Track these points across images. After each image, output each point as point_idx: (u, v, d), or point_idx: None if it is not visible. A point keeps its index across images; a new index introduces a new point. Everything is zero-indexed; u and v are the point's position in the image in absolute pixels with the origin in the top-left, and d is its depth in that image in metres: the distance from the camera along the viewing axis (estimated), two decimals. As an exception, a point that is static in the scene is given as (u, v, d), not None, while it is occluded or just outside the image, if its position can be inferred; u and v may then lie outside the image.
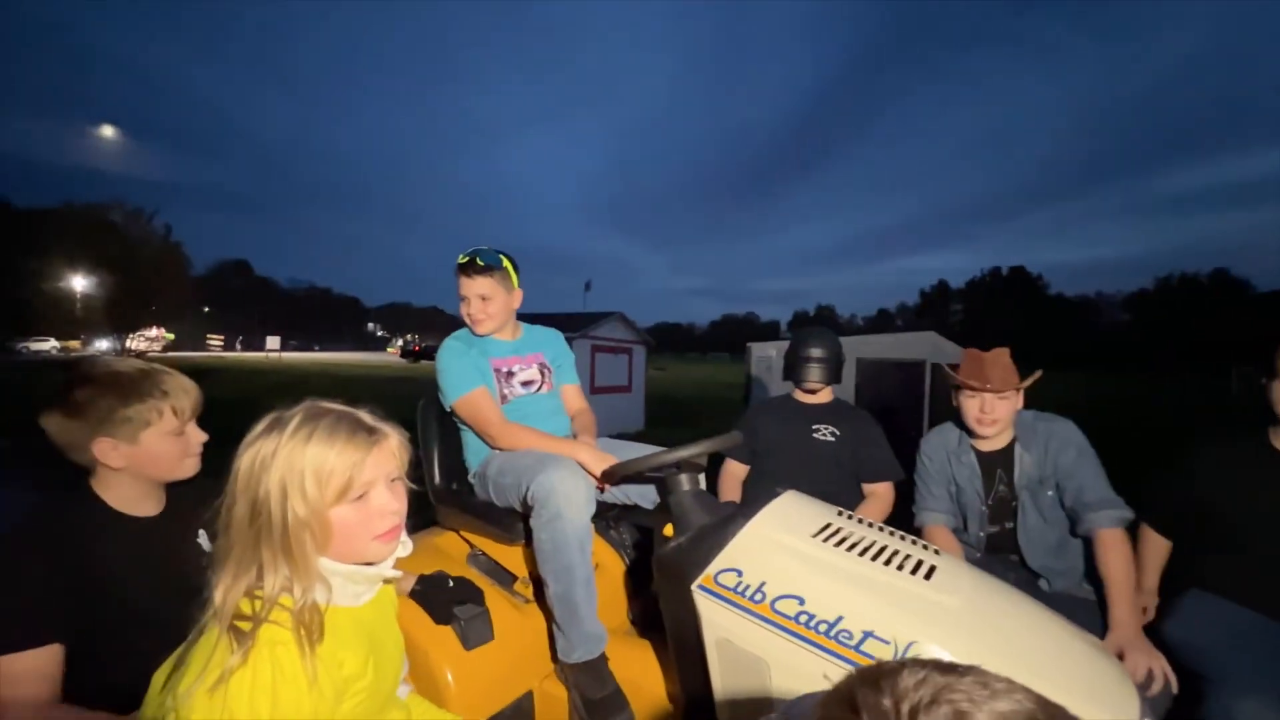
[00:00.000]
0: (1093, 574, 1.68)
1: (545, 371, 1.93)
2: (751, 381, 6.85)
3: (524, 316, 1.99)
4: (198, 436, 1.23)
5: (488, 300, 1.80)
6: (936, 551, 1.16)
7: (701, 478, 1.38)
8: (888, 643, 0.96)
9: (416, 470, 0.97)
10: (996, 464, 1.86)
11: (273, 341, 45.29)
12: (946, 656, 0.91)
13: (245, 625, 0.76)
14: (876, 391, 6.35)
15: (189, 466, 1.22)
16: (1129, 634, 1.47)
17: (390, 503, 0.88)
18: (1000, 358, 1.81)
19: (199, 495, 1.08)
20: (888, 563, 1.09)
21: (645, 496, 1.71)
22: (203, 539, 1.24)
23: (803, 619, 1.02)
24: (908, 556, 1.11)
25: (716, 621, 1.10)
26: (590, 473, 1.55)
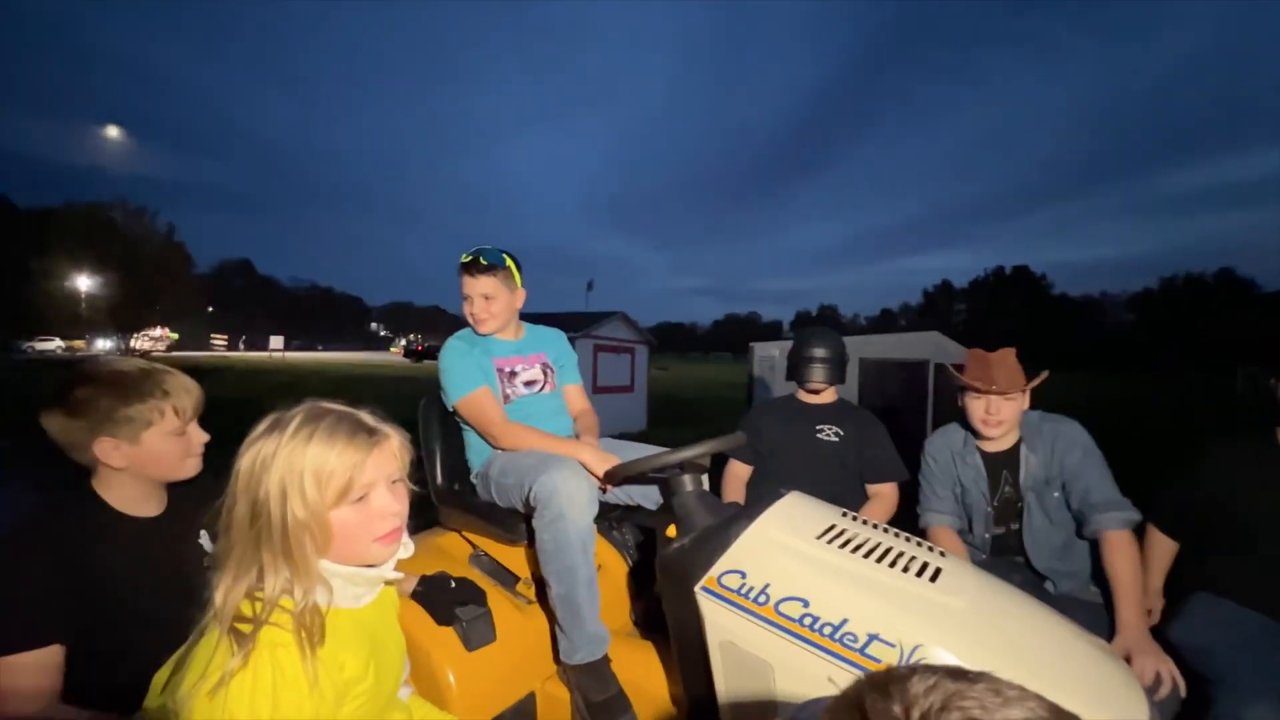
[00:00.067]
0: (1099, 576, 1.66)
1: (548, 371, 1.92)
2: (754, 381, 6.85)
3: (526, 316, 1.98)
4: (199, 436, 1.22)
5: (491, 299, 1.79)
6: (942, 553, 1.15)
7: (705, 478, 1.37)
8: (893, 645, 0.95)
9: (418, 470, 0.97)
10: (1002, 465, 1.84)
11: (276, 341, 45.49)
12: (952, 659, 0.91)
13: (246, 627, 0.75)
14: (880, 392, 6.34)
15: (190, 467, 1.21)
16: (1136, 637, 1.45)
17: (391, 504, 0.87)
18: (1006, 358, 1.79)
19: (201, 495, 1.08)
20: (893, 565, 1.08)
21: (648, 497, 1.71)
22: (204, 539, 1.24)
23: (807, 621, 1.01)
24: (913, 558, 1.10)
25: (720, 623, 1.09)
26: (593, 473, 1.54)
